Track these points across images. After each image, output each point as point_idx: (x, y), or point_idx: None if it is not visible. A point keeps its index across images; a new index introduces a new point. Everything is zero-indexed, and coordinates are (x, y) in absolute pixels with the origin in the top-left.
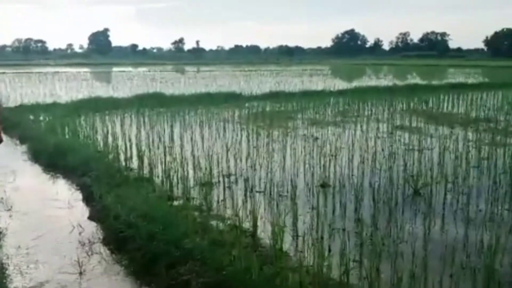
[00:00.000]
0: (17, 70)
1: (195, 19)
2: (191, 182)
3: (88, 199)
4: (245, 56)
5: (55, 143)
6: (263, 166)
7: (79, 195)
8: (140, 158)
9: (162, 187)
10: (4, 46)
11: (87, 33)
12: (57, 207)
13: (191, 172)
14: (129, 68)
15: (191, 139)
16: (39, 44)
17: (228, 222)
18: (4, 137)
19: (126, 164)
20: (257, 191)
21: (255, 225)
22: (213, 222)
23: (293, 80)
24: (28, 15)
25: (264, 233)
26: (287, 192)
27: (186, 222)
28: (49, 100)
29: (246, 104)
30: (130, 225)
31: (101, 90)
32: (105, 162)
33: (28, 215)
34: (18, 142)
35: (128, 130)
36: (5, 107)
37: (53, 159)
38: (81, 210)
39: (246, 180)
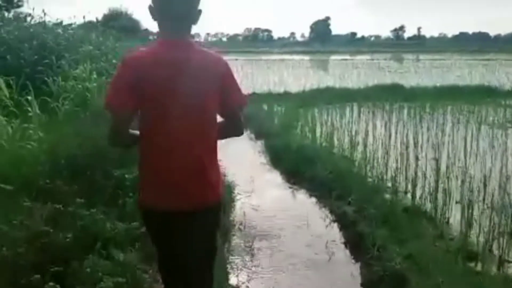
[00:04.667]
0: (247, 57)
1: (418, 4)
2: (487, 225)
3: (355, 246)
4: (472, 43)
5: (294, 146)
6: None
7: (338, 234)
8: (398, 172)
9: (442, 226)
10: (236, 35)
11: (308, 22)
12: (313, 252)
13: (475, 206)
14: (347, 56)
15: (454, 149)
16: (266, 33)
17: None
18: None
19: (380, 179)
20: None
21: None
22: None
23: None
24: (257, 5)
25: None
26: None
27: None
28: (278, 88)
29: (506, 102)
30: None
31: (329, 79)
32: (357, 175)
33: (272, 259)
34: (253, 136)
35: (373, 130)
36: None
37: (293, 165)
38: (348, 266)
39: None
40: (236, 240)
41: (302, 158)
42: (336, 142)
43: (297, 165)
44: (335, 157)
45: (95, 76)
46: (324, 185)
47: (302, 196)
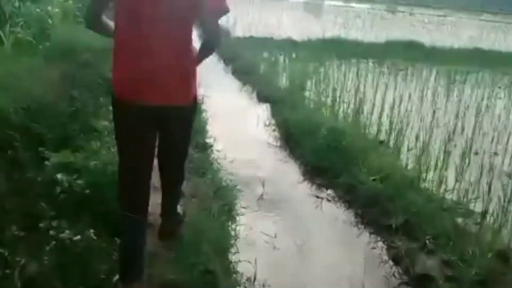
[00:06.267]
0: None
1: None
2: None
3: None
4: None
5: (314, 123)
6: None
7: None
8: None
9: None
10: None
11: None
12: None
13: None
14: (341, 3)
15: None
16: None
17: None
18: (238, 83)
19: (439, 186)
20: None
21: None
22: None
23: None
24: None
25: None
26: None
27: None
28: (279, 33)
29: None
30: None
31: (332, 28)
32: (416, 185)
33: None
34: (255, 97)
35: (408, 101)
36: (234, 37)
37: (318, 157)
38: None
39: None
40: None
41: (328, 146)
42: (364, 117)
43: (323, 157)
44: (372, 145)
45: None
46: (372, 202)
47: (340, 219)
